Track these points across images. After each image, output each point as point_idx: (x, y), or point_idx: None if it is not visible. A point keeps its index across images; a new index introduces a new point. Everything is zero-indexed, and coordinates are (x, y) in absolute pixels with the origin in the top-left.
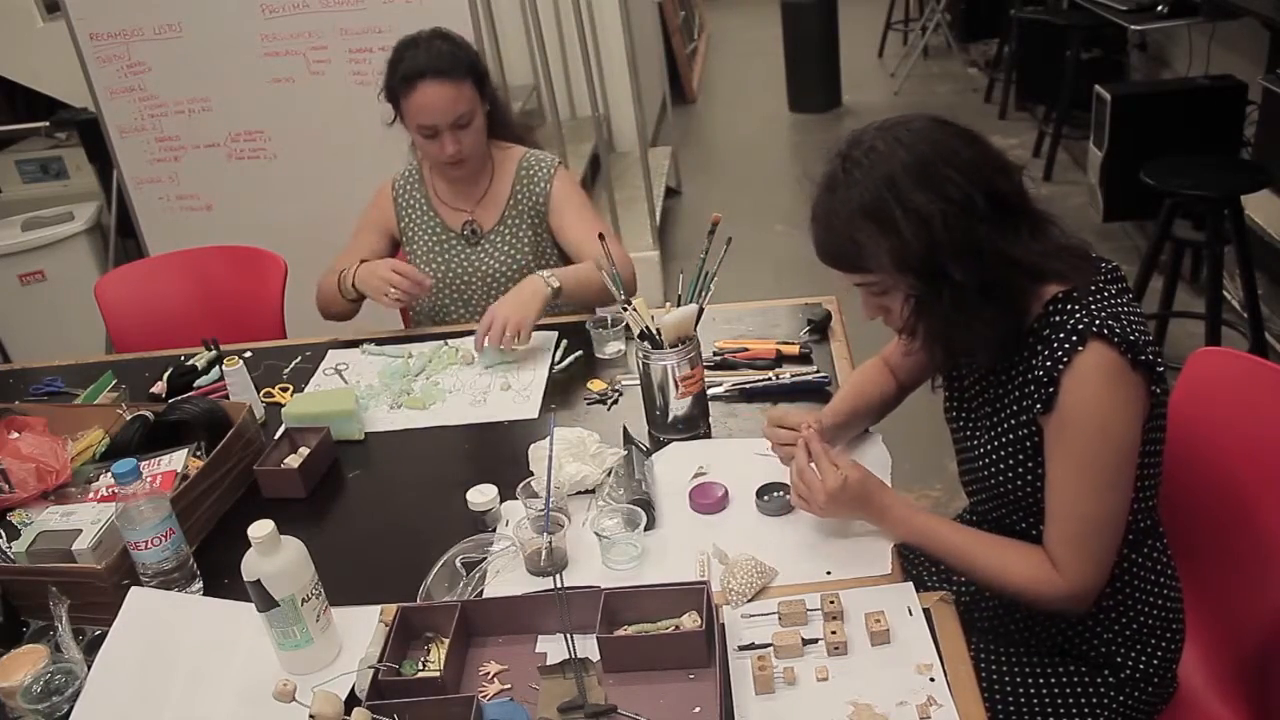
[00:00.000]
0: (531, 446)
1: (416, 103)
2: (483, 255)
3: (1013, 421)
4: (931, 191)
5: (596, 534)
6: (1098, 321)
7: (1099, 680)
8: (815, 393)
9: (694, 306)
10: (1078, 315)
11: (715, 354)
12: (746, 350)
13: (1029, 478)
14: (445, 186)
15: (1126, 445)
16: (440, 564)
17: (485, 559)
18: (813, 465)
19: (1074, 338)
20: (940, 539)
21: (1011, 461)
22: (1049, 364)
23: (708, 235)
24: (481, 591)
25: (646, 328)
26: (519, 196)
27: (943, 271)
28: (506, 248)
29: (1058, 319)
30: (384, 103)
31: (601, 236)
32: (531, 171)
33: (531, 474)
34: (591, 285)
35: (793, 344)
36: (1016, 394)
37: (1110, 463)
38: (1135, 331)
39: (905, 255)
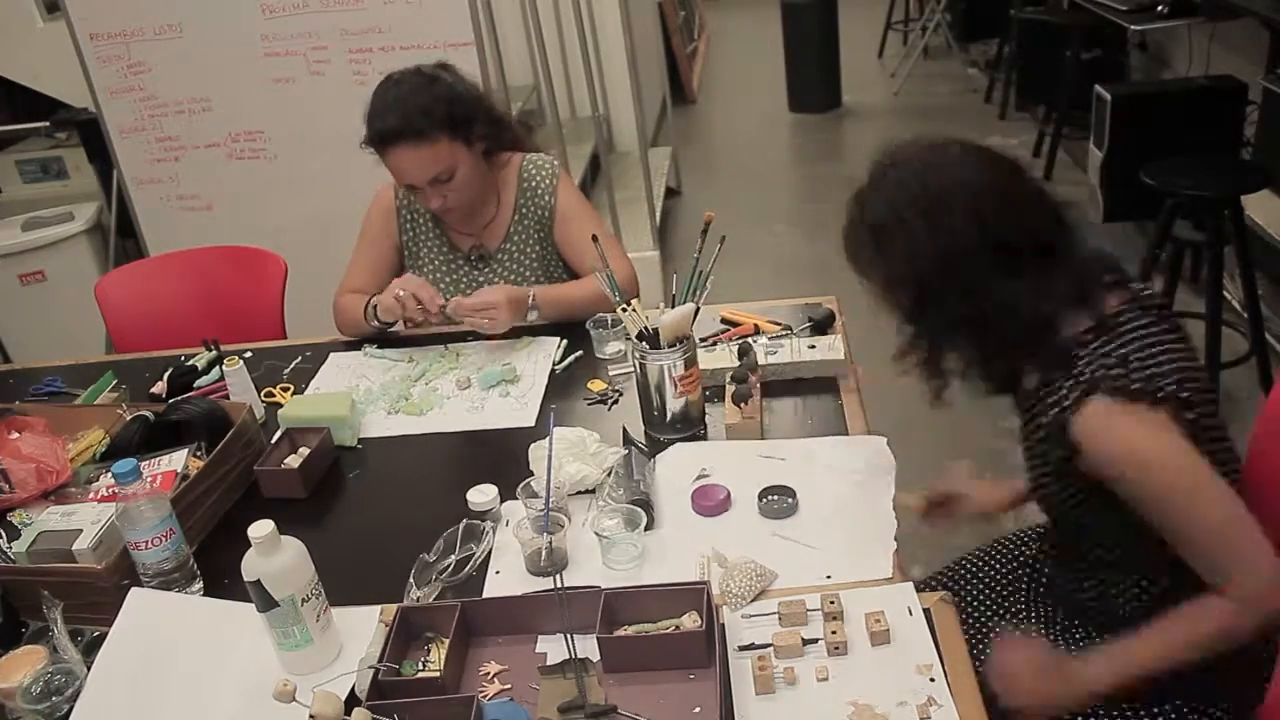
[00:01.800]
0: (532, 446)
1: (391, 166)
2: (491, 276)
3: (1044, 448)
4: (932, 227)
5: (596, 534)
6: (1100, 372)
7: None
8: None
9: (691, 306)
10: (1082, 363)
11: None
12: (729, 330)
13: (1071, 502)
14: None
15: (1179, 459)
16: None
17: (478, 540)
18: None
19: (1076, 391)
20: (1133, 657)
21: (1049, 482)
22: (1056, 411)
23: (701, 234)
24: (474, 571)
25: (645, 328)
26: (524, 210)
27: (931, 298)
28: (515, 265)
29: (1072, 362)
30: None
31: (595, 239)
32: (534, 181)
33: (531, 474)
34: (566, 302)
35: (776, 323)
36: (1044, 428)
37: (1179, 482)
38: (1141, 376)
39: (894, 278)
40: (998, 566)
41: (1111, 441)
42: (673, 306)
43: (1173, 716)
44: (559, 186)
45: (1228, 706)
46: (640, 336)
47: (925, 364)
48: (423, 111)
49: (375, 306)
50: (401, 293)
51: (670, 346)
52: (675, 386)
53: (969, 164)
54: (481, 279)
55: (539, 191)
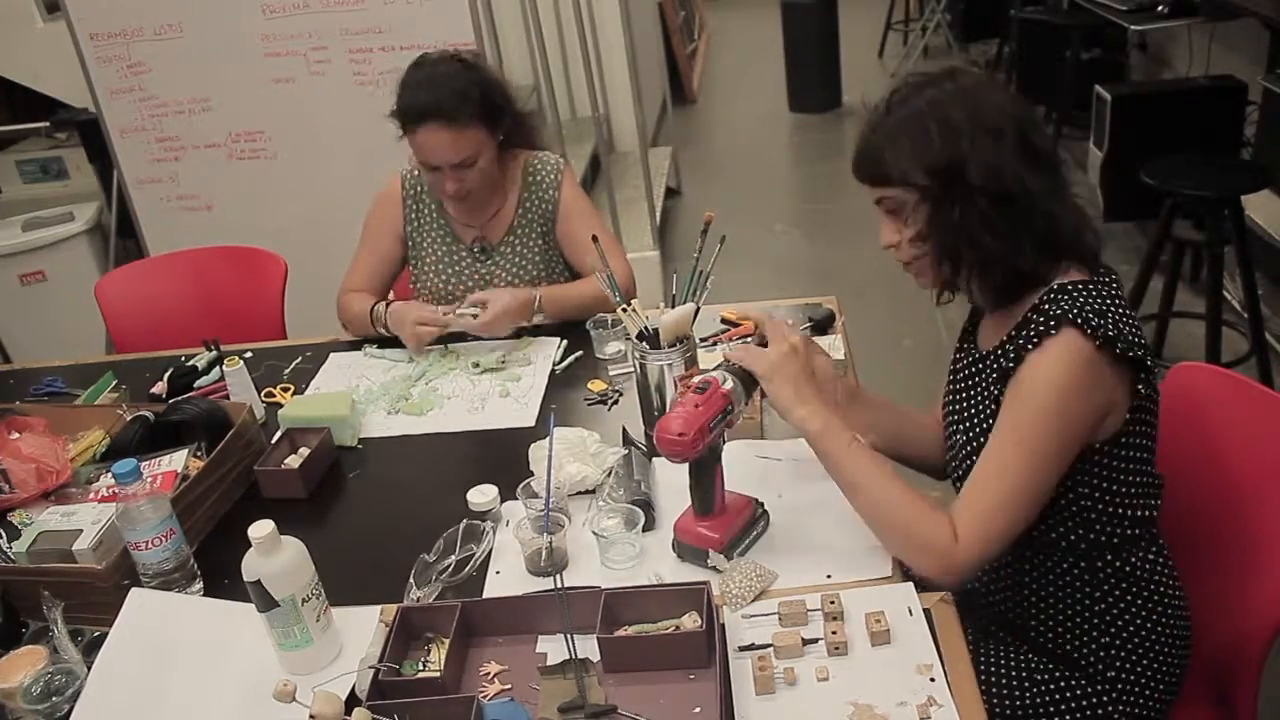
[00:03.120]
0: (532, 446)
1: (418, 142)
2: (493, 269)
3: (982, 407)
4: (967, 111)
5: (595, 534)
6: (1076, 311)
7: (1101, 685)
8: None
9: (691, 306)
10: (1063, 305)
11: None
12: (729, 330)
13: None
14: (455, 203)
15: (1071, 430)
16: (429, 554)
17: (478, 540)
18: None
19: (1050, 322)
20: (855, 453)
21: (976, 413)
22: (1020, 343)
23: (700, 235)
24: (474, 571)
25: (645, 328)
26: (527, 205)
27: (962, 178)
28: (517, 258)
29: (1046, 308)
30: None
31: (595, 239)
32: (538, 177)
33: (532, 474)
34: (569, 302)
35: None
36: (992, 377)
37: (1046, 440)
38: (1119, 327)
39: (929, 157)
40: None
41: (1052, 368)
42: (673, 306)
43: (1086, 672)
44: (563, 184)
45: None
46: (640, 336)
47: (939, 260)
48: (460, 94)
49: (385, 319)
50: (423, 331)
51: (670, 346)
52: (675, 386)
53: (993, 81)
54: (484, 271)
55: (543, 187)
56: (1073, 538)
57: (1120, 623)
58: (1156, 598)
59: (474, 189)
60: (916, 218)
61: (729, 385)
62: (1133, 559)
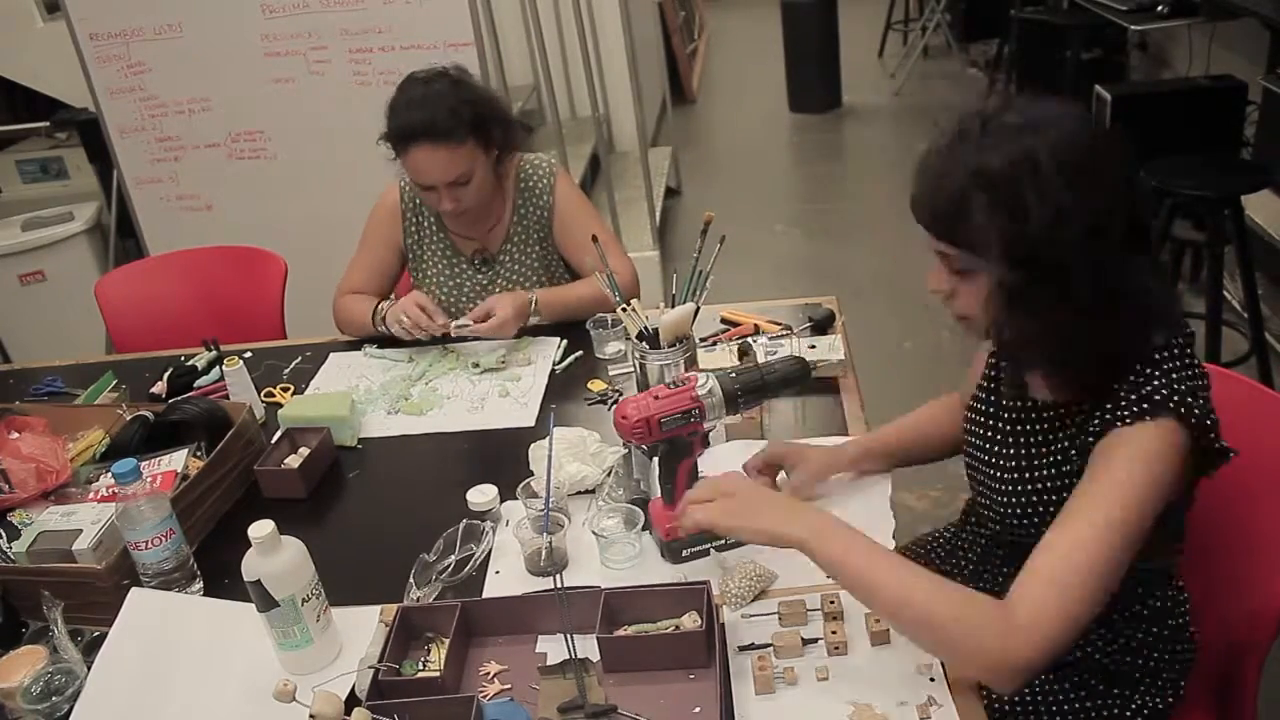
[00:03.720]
0: (532, 446)
1: (411, 164)
2: (496, 279)
3: (1052, 462)
4: (1077, 191)
5: (595, 533)
6: (1175, 395)
7: (1103, 688)
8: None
9: (691, 306)
10: (1156, 382)
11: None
12: (729, 330)
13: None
14: (453, 217)
15: (1140, 513)
16: (428, 554)
17: (478, 540)
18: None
19: (1144, 405)
20: (861, 553)
21: (1036, 502)
22: (1109, 418)
23: (700, 234)
24: (474, 571)
25: (645, 327)
26: (523, 211)
27: (1057, 277)
28: (517, 266)
29: (1139, 380)
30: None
31: (595, 239)
32: (531, 182)
33: (531, 474)
34: (567, 303)
35: (776, 323)
36: (1070, 439)
37: (1120, 519)
38: (1207, 410)
39: (1020, 243)
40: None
41: (1144, 455)
42: (673, 306)
43: (1087, 675)
44: (556, 185)
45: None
46: (640, 336)
47: (1015, 352)
48: (450, 112)
49: (384, 316)
50: (405, 319)
51: (670, 346)
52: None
53: (1100, 131)
54: (485, 282)
55: (537, 191)
56: None
57: (1133, 643)
58: (1168, 632)
59: (471, 205)
60: (985, 288)
61: (705, 390)
62: (1149, 599)
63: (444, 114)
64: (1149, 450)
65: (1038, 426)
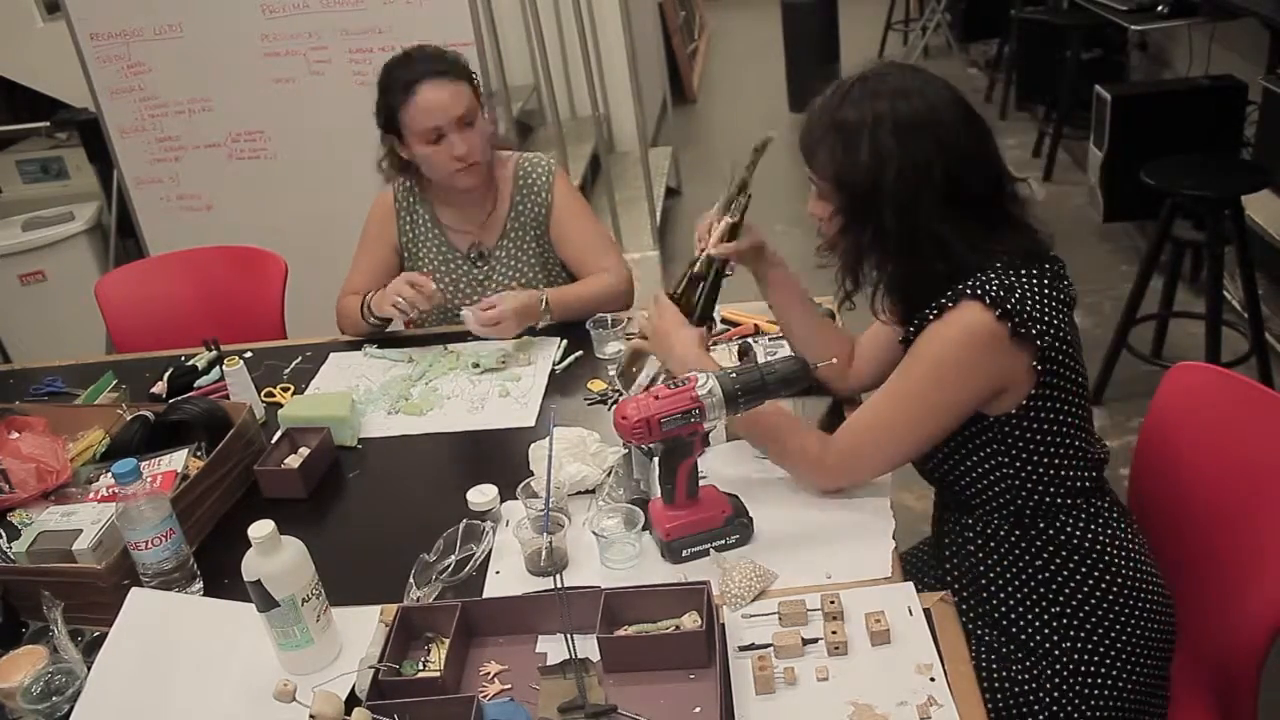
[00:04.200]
0: (532, 446)
1: (419, 106)
2: (491, 274)
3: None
4: (904, 144)
5: (595, 533)
6: (978, 286)
7: (1097, 684)
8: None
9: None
10: (968, 284)
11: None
12: (729, 330)
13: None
14: (449, 211)
15: (955, 401)
16: (429, 554)
17: (478, 540)
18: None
19: (954, 296)
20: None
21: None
22: (927, 316)
23: (755, 152)
24: (474, 571)
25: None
26: (520, 208)
27: (875, 210)
28: (513, 262)
29: (950, 293)
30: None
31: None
32: (530, 178)
33: (531, 474)
34: (576, 303)
35: (776, 323)
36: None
37: (925, 402)
38: (1024, 305)
39: (849, 179)
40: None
41: (945, 333)
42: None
43: (1084, 673)
44: (555, 184)
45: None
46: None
47: (844, 266)
48: (443, 59)
49: (369, 305)
50: (400, 300)
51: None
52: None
53: (953, 104)
54: (481, 277)
55: (535, 189)
56: (1000, 501)
57: (1075, 599)
58: (1105, 569)
59: (478, 155)
60: (830, 222)
61: (705, 390)
62: (1068, 527)
63: (439, 58)
64: (949, 327)
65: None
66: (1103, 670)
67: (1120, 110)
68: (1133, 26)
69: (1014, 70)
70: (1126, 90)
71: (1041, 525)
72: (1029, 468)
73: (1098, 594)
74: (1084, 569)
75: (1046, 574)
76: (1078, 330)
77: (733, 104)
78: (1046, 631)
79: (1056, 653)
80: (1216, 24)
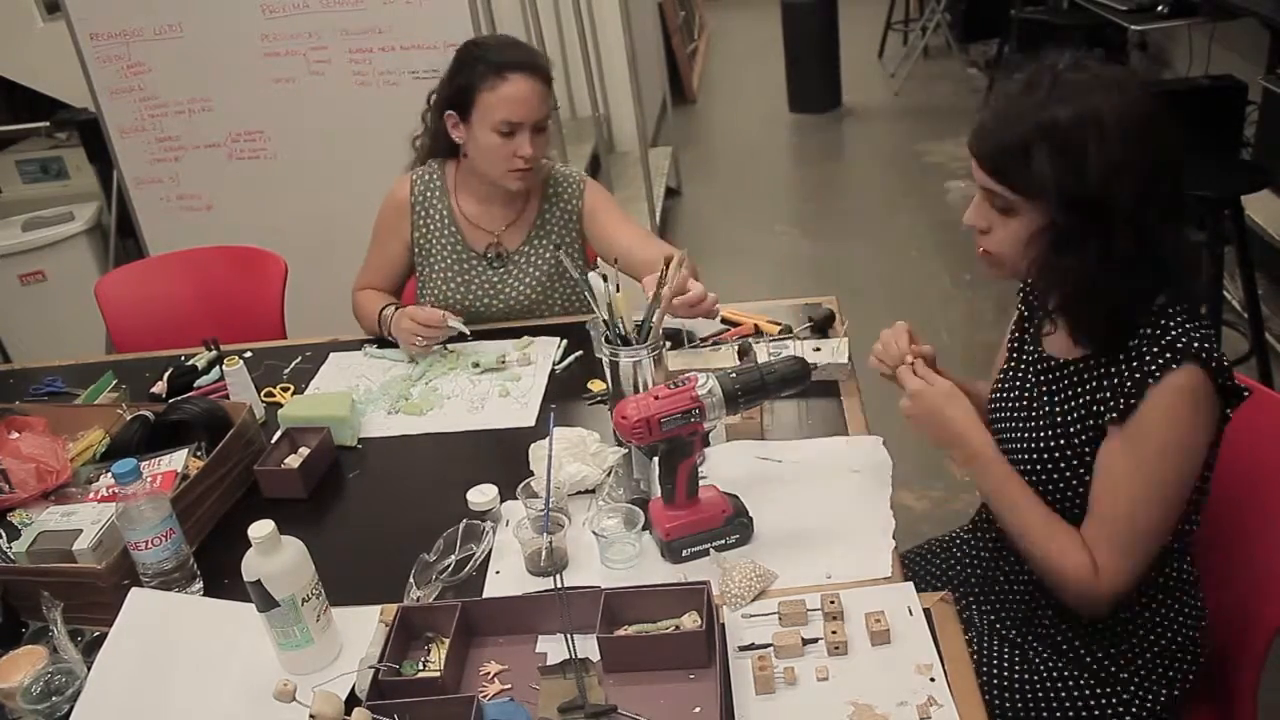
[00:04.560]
0: (532, 446)
1: (507, 94)
2: (506, 278)
3: (1077, 417)
4: (1136, 149)
5: (595, 533)
6: (1196, 343)
7: (1109, 688)
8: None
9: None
10: (1175, 333)
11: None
12: (729, 330)
13: (1071, 475)
14: (475, 206)
15: (1190, 467)
16: (429, 553)
17: (478, 540)
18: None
19: (1168, 354)
20: (1007, 487)
21: (1059, 456)
22: (1139, 375)
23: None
24: (474, 571)
25: (616, 327)
26: (547, 216)
27: (1104, 227)
28: (529, 267)
29: (1156, 332)
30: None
31: (666, 263)
32: (560, 189)
33: (532, 473)
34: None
35: (776, 323)
36: (1090, 394)
37: (1173, 480)
38: (1222, 356)
39: (1077, 193)
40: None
41: (1177, 410)
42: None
43: (1089, 675)
44: (586, 190)
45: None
46: (607, 340)
47: (1056, 287)
48: (540, 57)
49: (389, 327)
50: (419, 341)
51: (640, 343)
52: (648, 382)
53: (1161, 100)
54: (495, 279)
55: (565, 197)
56: None
57: (1141, 631)
58: (1179, 608)
59: (538, 166)
60: (1028, 230)
61: (705, 390)
62: (1167, 568)
63: (536, 55)
64: (1179, 404)
65: (1061, 384)
66: (1117, 691)
67: None
68: (1133, 26)
69: (1014, 70)
70: None
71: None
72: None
73: (1169, 631)
74: (1164, 609)
75: (1126, 614)
76: None
77: (733, 104)
78: (1096, 651)
79: (1097, 669)
80: (1216, 24)
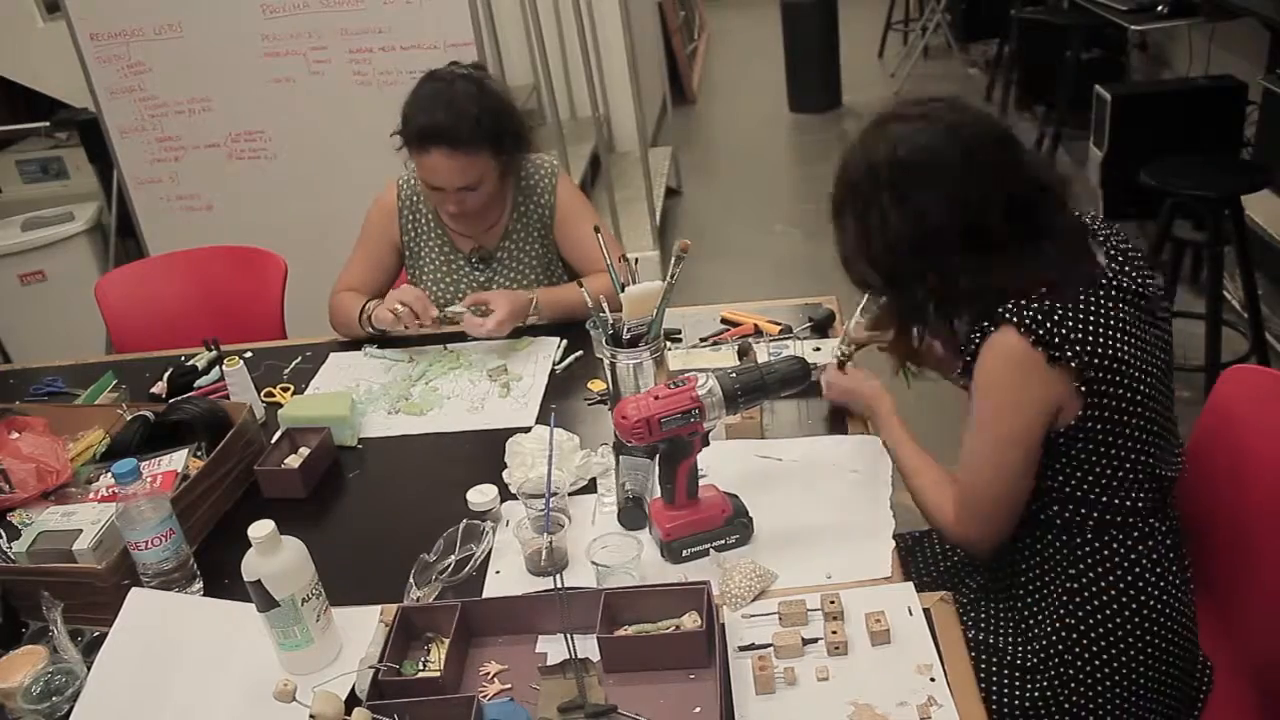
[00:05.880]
0: (509, 441)
1: (427, 164)
2: (493, 275)
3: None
4: (906, 206)
5: (594, 563)
6: (1015, 312)
7: (1103, 688)
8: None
9: (659, 284)
10: (1009, 309)
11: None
12: (729, 330)
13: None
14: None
15: (1023, 424)
16: (429, 554)
17: (478, 540)
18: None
19: (985, 321)
20: (903, 453)
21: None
22: (977, 340)
23: (674, 261)
24: (474, 571)
25: (614, 329)
26: (523, 209)
27: (903, 282)
28: (515, 263)
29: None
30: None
31: (596, 229)
32: (533, 181)
33: (504, 466)
34: (565, 303)
35: (776, 323)
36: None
37: (1006, 437)
38: (1061, 329)
39: (870, 253)
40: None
41: (991, 367)
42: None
43: (1088, 674)
44: (558, 186)
45: None
46: (606, 341)
47: (894, 339)
48: (474, 122)
49: (370, 316)
50: (399, 307)
51: (636, 344)
52: (646, 383)
53: (951, 135)
54: (483, 279)
55: (538, 190)
56: (1050, 513)
57: (1096, 616)
58: (1138, 593)
59: (473, 209)
60: (892, 319)
61: (705, 390)
62: (1114, 544)
63: (467, 123)
64: (994, 358)
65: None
66: (1105, 691)
67: (1120, 110)
68: (1133, 26)
69: (1014, 70)
70: (1126, 90)
71: (1089, 537)
72: (1085, 484)
73: (1120, 617)
74: (1116, 589)
75: (1078, 585)
76: (1159, 345)
77: (733, 104)
78: (1061, 646)
79: (1064, 667)
80: (1216, 24)
